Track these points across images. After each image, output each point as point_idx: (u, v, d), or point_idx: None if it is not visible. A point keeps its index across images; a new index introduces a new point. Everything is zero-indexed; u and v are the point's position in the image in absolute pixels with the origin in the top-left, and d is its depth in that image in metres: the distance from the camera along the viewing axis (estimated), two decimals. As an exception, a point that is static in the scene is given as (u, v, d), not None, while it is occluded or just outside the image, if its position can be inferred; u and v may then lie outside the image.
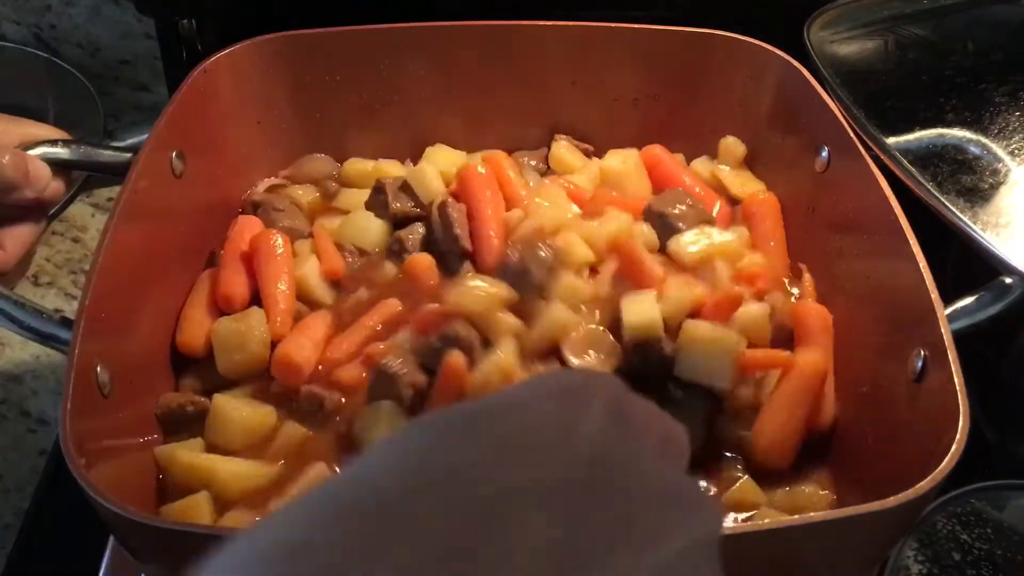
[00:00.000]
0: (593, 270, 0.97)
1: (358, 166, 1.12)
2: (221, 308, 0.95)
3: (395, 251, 1.00)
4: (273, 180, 1.11)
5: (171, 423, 0.88)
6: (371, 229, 1.02)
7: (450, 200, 1.01)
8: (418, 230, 1.01)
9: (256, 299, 0.95)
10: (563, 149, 1.12)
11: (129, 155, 0.93)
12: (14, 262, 0.88)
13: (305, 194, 1.09)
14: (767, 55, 1.06)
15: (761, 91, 1.08)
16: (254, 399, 0.89)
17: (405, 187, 1.04)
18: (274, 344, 0.90)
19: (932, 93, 1.03)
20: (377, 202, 1.04)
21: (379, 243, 1.02)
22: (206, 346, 0.92)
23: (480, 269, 0.97)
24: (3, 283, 0.86)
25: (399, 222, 1.02)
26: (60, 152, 0.92)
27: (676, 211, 0.99)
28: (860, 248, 0.93)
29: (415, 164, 1.11)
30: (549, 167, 1.13)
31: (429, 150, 1.11)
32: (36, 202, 0.88)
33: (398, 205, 1.02)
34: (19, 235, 0.89)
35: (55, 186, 0.90)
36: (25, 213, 0.89)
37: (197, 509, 0.81)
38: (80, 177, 1.24)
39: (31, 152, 0.89)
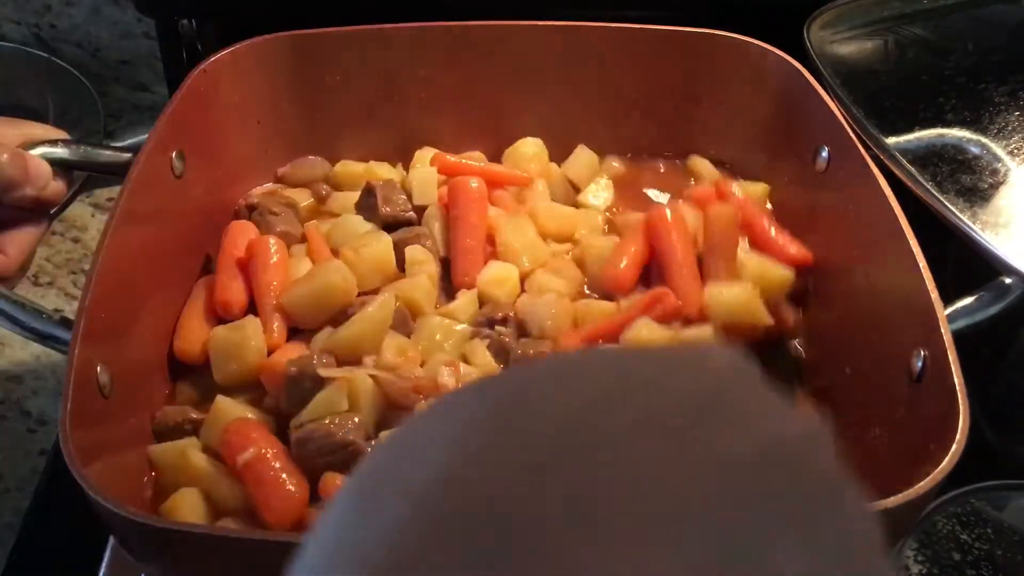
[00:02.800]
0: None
1: (349, 168, 1.11)
2: (220, 315, 0.94)
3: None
4: (269, 185, 1.11)
5: (167, 437, 0.88)
6: (360, 232, 1.01)
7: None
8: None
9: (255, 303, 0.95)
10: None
11: (129, 155, 0.93)
12: (16, 267, 0.88)
13: (300, 197, 1.09)
14: (767, 55, 1.06)
15: (761, 91, 1.08)
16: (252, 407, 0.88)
17: (396, 189, 1.04)
18: (271, 354, 0.90)
19: (932, 93, 1.03)
20: (367, 205, 1.03)
21: None
22: (203, 354, 0.91)
23: (454, 278, 0.98)
24: (3, 283, 0.86)
25: (389, 225, 1.02)
26: (60, 152, 0.92)
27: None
28: (860, 248, 0.93)
29: (405, 166, 1.11)
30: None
31: (419, 153, 1.11)
32: (36, 201, 0.88)
33: (387, 209, 1.02)
34: (21, 239, 0.88)
35: (55, 186, 0.90)
36: (26, 215, 0.89)
37: (189, 505, 0.81)
38: (80, 177, 1.24)
39: (31, 152, 0.89)
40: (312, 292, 0.92)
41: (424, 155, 1.11)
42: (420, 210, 1.04)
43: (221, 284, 0.95)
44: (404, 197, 1.04)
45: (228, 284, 0.95)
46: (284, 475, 0.79)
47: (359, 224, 1.02)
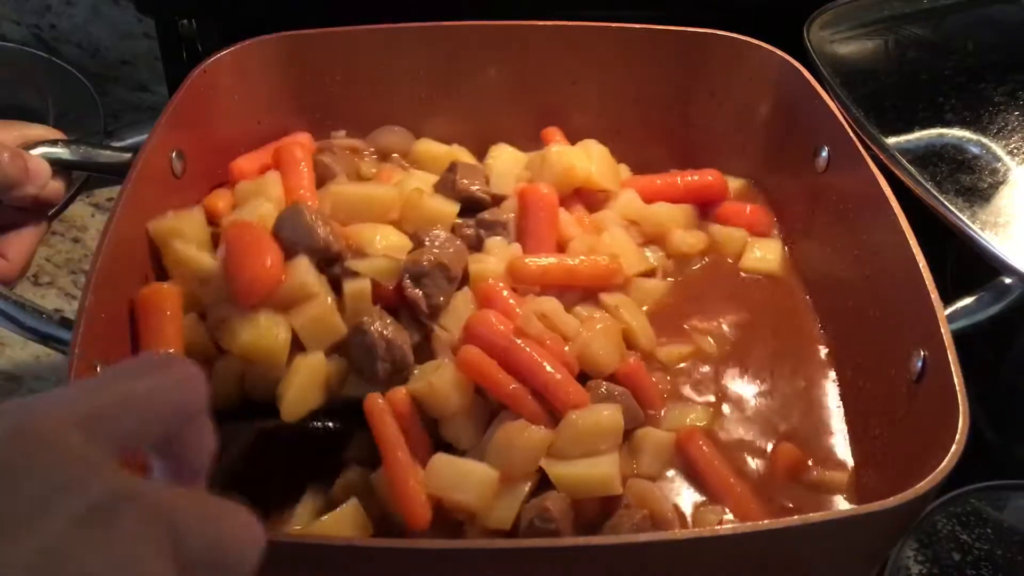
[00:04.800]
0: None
1: (430, 147, 1.11)
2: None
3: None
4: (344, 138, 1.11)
5: None
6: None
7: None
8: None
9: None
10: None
11: (129, 155, 0.93)
12: (18, 271, 0.88)
13: (369, 165, 1.09)
14: (767, 55, 1.06)
15: (761, 91, 1.08)
16: None
17: (478, 172, 1.04)
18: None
19: (932, 93, 1.03)
20: (446, 181, 1.02)
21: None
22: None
23: None
24: (5, 284, 0.86)
25: (464, 201, 1.00)
26: (60, 152, 0.92)
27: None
28: (860, 248, 0.93)
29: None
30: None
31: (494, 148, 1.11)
32: (36, 201, 0.88)
33: (465, 182, 1.01)
34: (21, 242, 0.89)
35: (54, 186, 0.90)
36: (25, 217, 0.89)
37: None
38: (80, 177, 1.24)
39: (31, 152, 0.89)
40: (364, 195, 0.94)
41: (500, 151, 1.10)
42: (496, 199, 1.03)
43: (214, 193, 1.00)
44: (484, 179, 1.03)
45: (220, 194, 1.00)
46: (264, 247, 0.82)
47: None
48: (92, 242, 1.27)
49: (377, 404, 0.82)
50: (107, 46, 1.44)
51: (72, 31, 1.43)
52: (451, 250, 0.91)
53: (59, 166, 0.91)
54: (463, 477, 0.79)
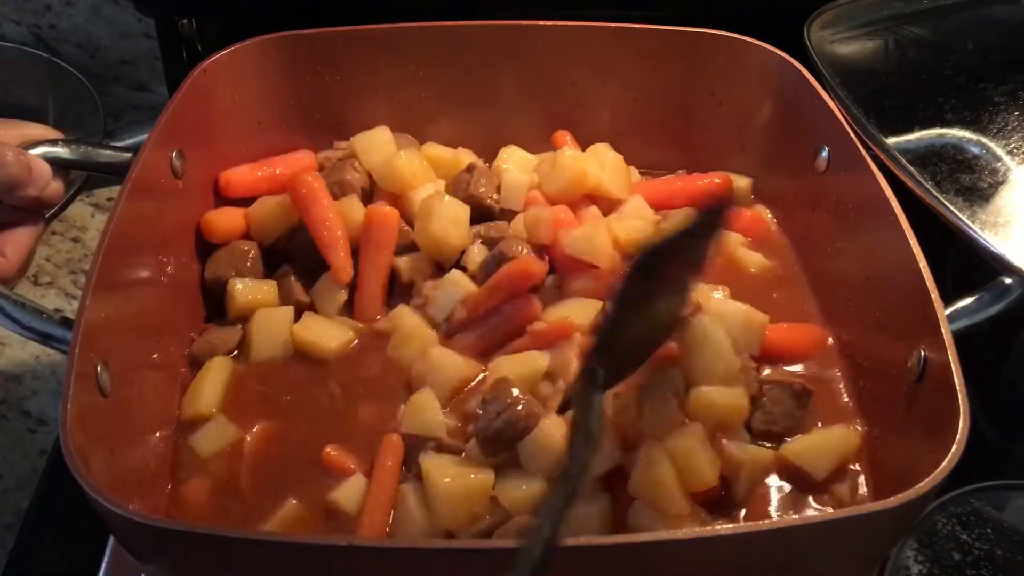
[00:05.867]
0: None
1: (436, 151, 1.10)
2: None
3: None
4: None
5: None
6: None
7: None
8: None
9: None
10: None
11: (129, 155, 0.93)
12: (15, 269, 0.88)
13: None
14: (767, 55, 1.06)
15: (761, 91, 1.08)
16: None
17: (493, 179, 1.05)
18: None
19: (932, 93, 1.03)
20: (460, 182, 1.03)
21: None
22: None
23: None
24: (3, 284, 0.86)
25: (474, 206, 1.01)
26: (60, 152, 0.92)
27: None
28: (860, 248, 0.93)
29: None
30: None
31: (505, 151, 1.11)
32: (36, 202, 0.88)
33: (481, 188, 1.02)
34: (18, 240, 0.89)
35: (54, 186, 0.90)
36: (23, 216, 0.89)
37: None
38: (80, 177, 1.24)
39: (31, 152, 0.89)
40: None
41: (510, 153, 1.10)
42: (505, 215, 1.04)
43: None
44: (496, 188, 1.04)
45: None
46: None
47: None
48: (92, 242, 1.27)
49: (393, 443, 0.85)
50: (107, 46, 1.44)
51: (72, 31, 1.43)
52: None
53: (59, 166, 0.91)
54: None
